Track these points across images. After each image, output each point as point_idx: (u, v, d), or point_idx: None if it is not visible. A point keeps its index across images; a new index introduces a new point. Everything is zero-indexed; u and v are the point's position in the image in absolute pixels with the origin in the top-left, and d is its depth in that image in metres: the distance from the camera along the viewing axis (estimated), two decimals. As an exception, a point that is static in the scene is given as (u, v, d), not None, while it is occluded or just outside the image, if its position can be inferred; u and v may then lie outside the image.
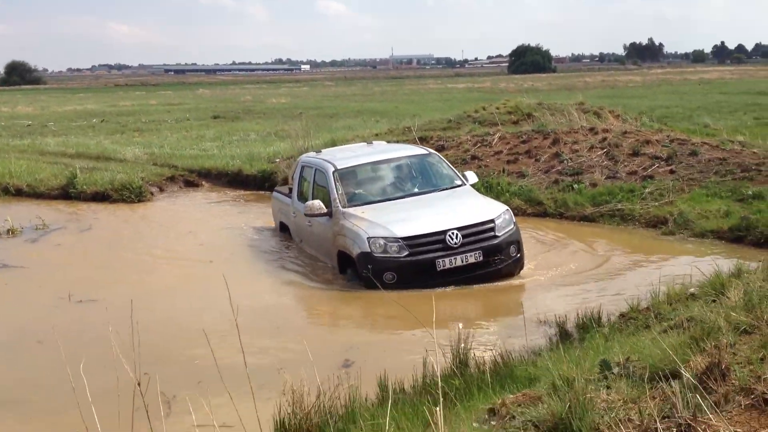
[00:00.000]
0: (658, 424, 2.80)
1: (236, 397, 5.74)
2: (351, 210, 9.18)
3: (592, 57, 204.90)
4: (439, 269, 8.36)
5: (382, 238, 8.47)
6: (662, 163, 12.79)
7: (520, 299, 8.50)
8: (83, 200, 14.93)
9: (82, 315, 8.17)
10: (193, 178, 16.85)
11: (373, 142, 12.49)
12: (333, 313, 8.54)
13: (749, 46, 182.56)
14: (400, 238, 8.43)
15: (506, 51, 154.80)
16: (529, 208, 12.22)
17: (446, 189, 9.85)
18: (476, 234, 8.59)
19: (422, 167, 10.35)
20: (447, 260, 8.40)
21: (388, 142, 13.50)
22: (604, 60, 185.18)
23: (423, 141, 15.26)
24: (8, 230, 11.98)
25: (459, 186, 9.92)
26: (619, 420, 3.05)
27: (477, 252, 8.50)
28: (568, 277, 8.81)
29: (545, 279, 8.83)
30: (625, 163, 13.03)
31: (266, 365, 6.49)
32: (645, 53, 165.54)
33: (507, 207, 9.33)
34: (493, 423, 3.69)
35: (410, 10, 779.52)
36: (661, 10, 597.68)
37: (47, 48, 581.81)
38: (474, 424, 3.66)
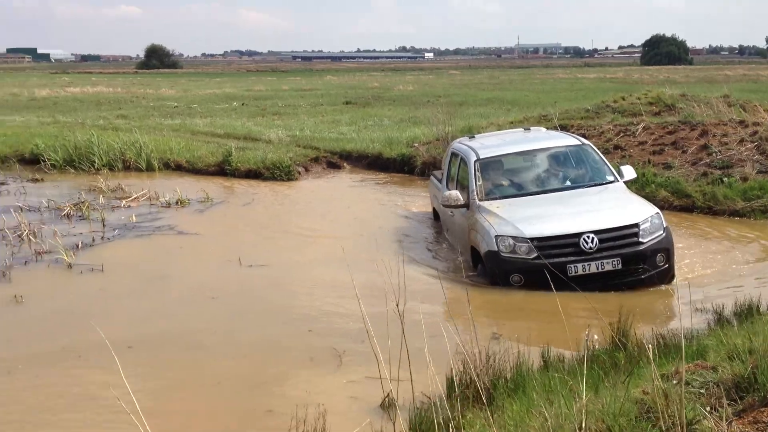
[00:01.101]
0: None
1: (396, 358, 6.23)
2: (486, 204, 8.72)
3: (731, 49, 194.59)
4: (570, 275, 7.60)
5: (510, 237, 7.95)
6: (819, 158, 12.36)
7: (674, 289, 8.18)
8: (237, 177, 15.94)
9: (250, 277, 8.94)
10: (335, 160, 17.57)
11: (531, 128, 11.67)
12: (473, 297, 8.43)
13: None
14: (529, 239, 7.86)
15: (638, 41, 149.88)
16: (675, 200, 12.03)
17: (595, 185, 9.08)
18: (616, 239, 7.82)
19: (572, 159, 9.64)
20: (580, 266, 7.69)
21: (528, 129, 13.31)
22: (744, 53, 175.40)
23: (563, 129, 15.28)
24: (177, 201, 13.06)
25: (610, 182, 9.11)
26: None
27: (615, 259, 7.73)
28: (724, 270, 8.66)
29: (700, 272, 8.60)
30: (778, 158, 12.66)
31: (418, 332, 6.95)
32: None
33: (657, 210, 8.37)
34: (674, 382, 3.94)
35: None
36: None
37: (182, 33, 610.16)
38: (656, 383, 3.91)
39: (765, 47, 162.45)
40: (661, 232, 8.04)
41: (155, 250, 10.34)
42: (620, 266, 7.73)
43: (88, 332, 7.12)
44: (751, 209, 11.29)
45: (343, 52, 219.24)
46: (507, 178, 9.48)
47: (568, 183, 9.26)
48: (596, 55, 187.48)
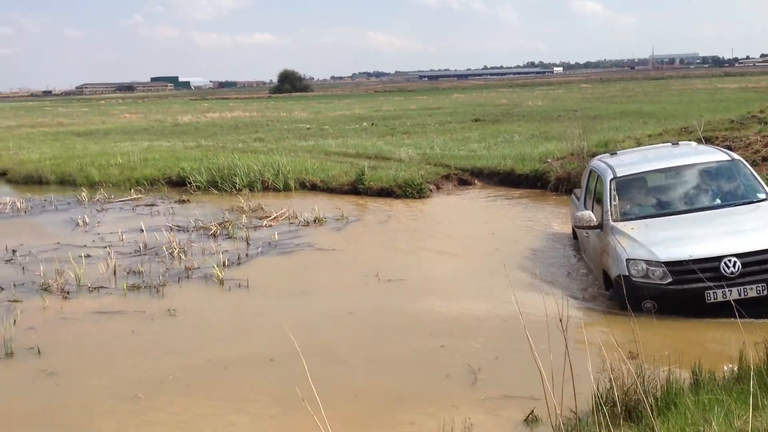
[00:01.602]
0: None
1: (530, 376, 6.07)
2: (620, 225, 8.24)
3: None
4: (708, 302, 7.14)
5: (643, 260, 7.46)
6: None
7: None
8: (369, 195, 16.23)
9: (386, 293, 9.10)
10: (466, 177, 17.54)
11: (680, 143, 10.90)
12: (600, 322, 7.70)
13: None
14: (663, 263, 7.33)
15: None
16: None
17: (744, 204, 8.40)
18: (761, 263, 7.21)
19: (721, 176, 8.99)
20: (719, 292, 7.10)
21: (666, 143, 12.44)
22: None
23: (707, 141, 14.61)
24: (315, 219, 13.44)
25: (762, 201, 8.37)
26: None
27: (760, 284, 7.11)
28: None
29: None
30: None
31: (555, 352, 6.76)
32: None
33: None
34: None
35: (672, 6, 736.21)
36: None
37: (312, 57, 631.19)
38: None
39: None
40: None
41: (296, 266, 10.66)
42: (766, 292, 7.13)
43: (234, 345, 7.52)
44: None
45: (469, 69, 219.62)
46: (645, 197, 8.98)
47: (715, 202, 8.64)
48: (737, 65, 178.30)
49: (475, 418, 5.33)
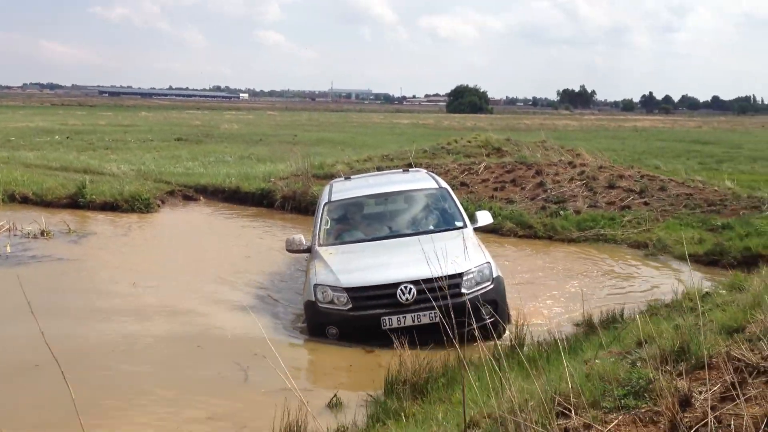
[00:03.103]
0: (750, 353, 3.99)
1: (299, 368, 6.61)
2: (322, 249, 8.30)
3: (525, 101, 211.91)
4: (384, 327, 7.15)
5: (329, 287, 7.47)
6: (636, 195, 14.36)
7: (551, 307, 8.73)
8: (92, 209, 15.57)
9: (141, 297, 9.11)
10: (190, 193, 17.66)
11: (410, 170, 11.42)
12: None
13: (675, 97, 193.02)
14: (345, 289, 7.37)
15: (443, 90, 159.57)
16: (520, 230, 13.37)
17: (441, 231, 8.57)
18: (434, 290, 7.05)
19: (426, 203, 9.29)
20: (394, 318, 7.20)
21: (379, 169, 13.39)
22: (537, 104, 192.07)
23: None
24: (42, 232, 12.58)
25: (458, 228, 8.63)
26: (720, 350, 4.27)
27: (432, 311, 6.95)
28: (576, 290, 9.38)
29: (558, 293, 9.29)
30: (603, 195, 14.56)
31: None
32: (577, 100, 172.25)
33: (489, 260, 7.74)
34: (612, 360, 4.82)
35: (349, 45, 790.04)
36: (592, 59, 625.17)
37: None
38: (597, 360, 4.79)
39: (556, 99, 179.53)
40: (489, 283, 7.53)
41: (40, 277, 10.02)
42: (437, 319, 6.74)
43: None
44: (585, 238, 12.82)
45: (153, 88, 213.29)
46: (353, 223, 9.10)
47: (414, 229, 8.77)
48: (405, 102, 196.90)
49: (267, 410, 5.36)
